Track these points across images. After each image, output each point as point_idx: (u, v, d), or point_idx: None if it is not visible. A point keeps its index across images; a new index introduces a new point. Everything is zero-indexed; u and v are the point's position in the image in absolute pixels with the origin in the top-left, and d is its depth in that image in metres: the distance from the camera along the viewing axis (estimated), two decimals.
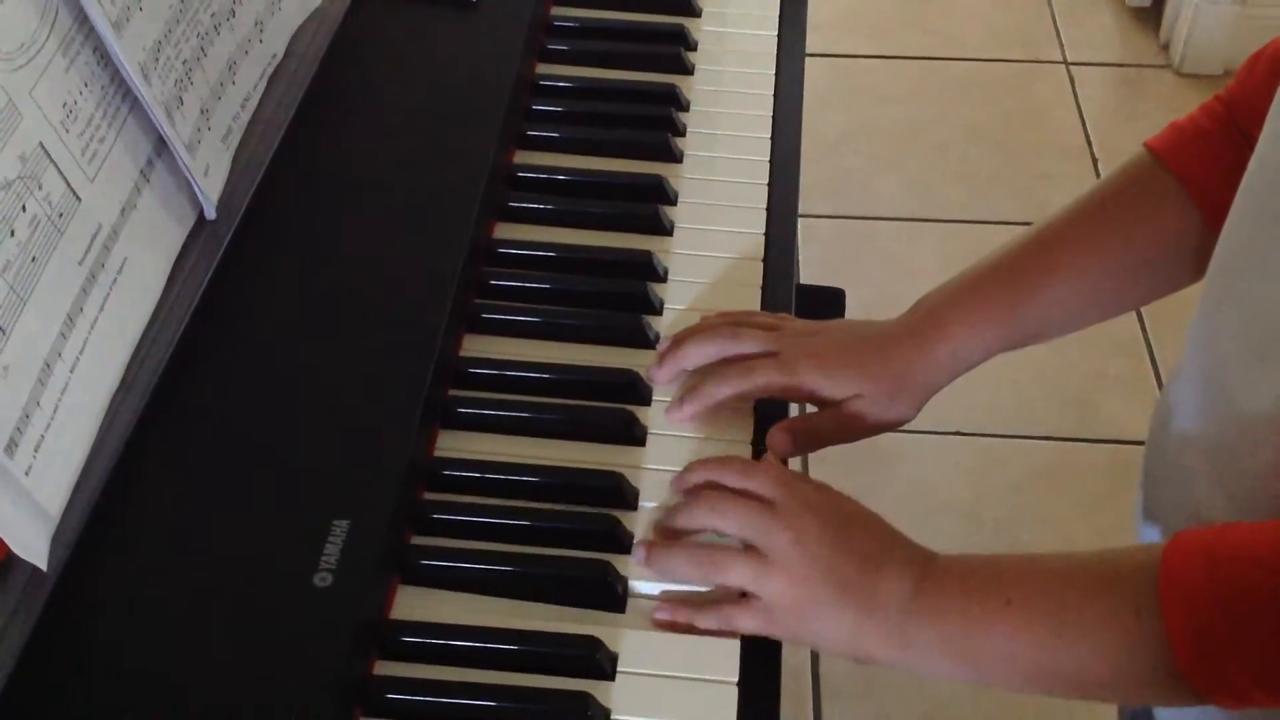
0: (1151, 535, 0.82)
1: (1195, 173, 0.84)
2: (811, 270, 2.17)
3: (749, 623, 0.74)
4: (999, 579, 0.71)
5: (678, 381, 0.87)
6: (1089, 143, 2.50)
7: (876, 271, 2.25)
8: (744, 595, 0.75)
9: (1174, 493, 0.79)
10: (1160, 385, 2.07)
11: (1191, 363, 0.78)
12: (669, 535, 0.78)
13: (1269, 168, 0.73)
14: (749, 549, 0.75)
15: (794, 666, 1.73)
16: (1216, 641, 0.63)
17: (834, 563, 0.73)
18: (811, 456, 1.74)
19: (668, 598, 0.76)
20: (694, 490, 0.79)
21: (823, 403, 0.87)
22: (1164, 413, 0.82)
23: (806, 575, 0.73)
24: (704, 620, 0.74)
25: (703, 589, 0.76)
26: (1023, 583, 0.71)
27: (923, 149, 2.51)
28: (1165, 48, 2.68)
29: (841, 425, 0.86)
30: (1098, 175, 2.43)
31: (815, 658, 1.77)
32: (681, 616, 0.74)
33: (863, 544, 0.74)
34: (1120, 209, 0.87)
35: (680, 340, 0.87)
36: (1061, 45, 2.73)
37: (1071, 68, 2.68)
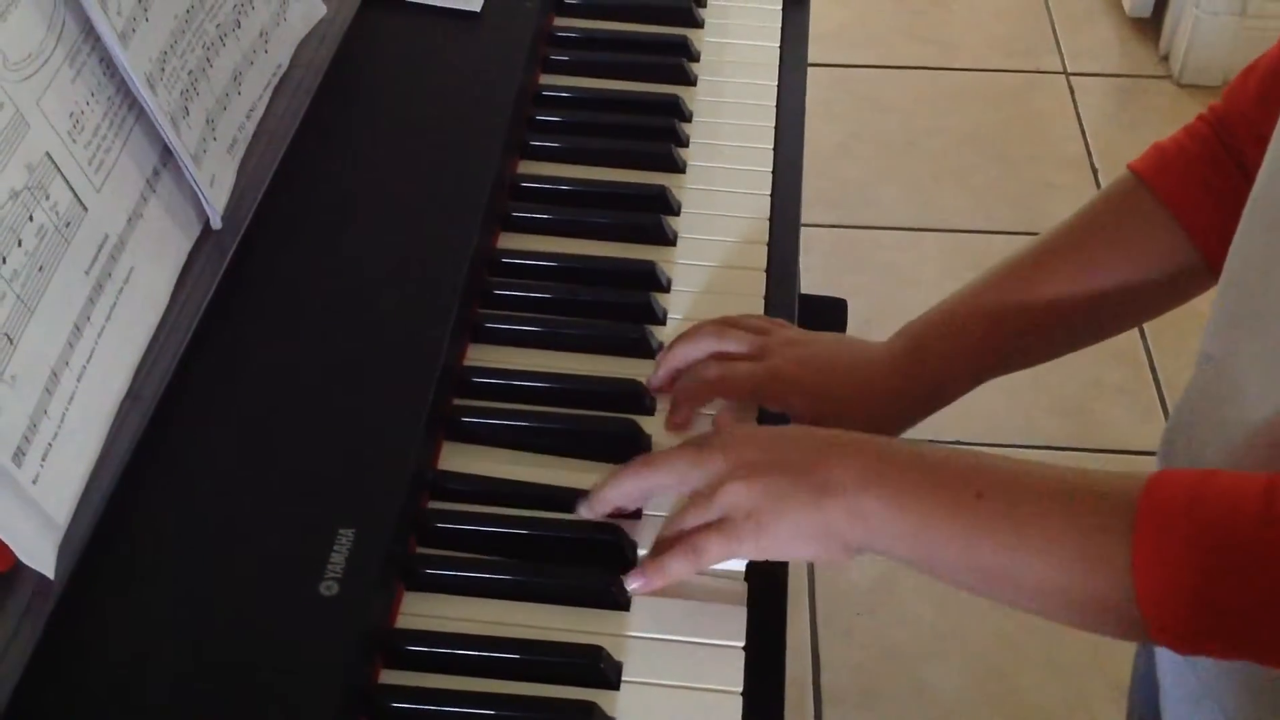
0: None
1: (1183, 197, 0.84)
2: (811, 279, 2.18)
3: (715, 545, 0.73)
4: (972, 471, 0.70)
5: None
6: (1089, 152, 2.51)
7: (876, 281, 2.25)
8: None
9: None
10: (1160, 393, 2.08)
11: (1205, 377, 0.78)
12: (602, 504, 0.78)
13: None
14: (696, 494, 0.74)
15: (796, 675, 1.74)
16: (1181, 584, 0.63)
17: (778, 458, 0.72)
18: None
19: (639, 565, 0.75)
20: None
21: (795, 416, 0.87)
22: (1177, 426, 0.82)
23: (752, 477, 0.72)
24: (674, 565, 0.73)
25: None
26: (996, 480, 0.69)
27: (922, 159, 2.52)
28: (1165, 58, 2.69)
29: None
30: (1097, 185, 2.44)
31: (817, 668, 1.77)
32: (652, 572, 0.74)
33: (808, 442, 0.74)
34: (1101, 237, 0.87)
35: (672, 343, 0.88)
36: (1061, 55, 2.73)
37: (1071, 78, 2.68)
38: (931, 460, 0.71)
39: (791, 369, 0.86)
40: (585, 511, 0.78)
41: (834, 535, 0.71)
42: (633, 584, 0.75)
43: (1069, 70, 2.70)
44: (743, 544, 0.73)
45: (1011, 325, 0.87)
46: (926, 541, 0.69)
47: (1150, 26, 2.75)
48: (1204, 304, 0.89)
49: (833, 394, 0.86)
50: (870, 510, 0.70)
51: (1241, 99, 0.84)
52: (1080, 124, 2.58)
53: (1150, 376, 2.11)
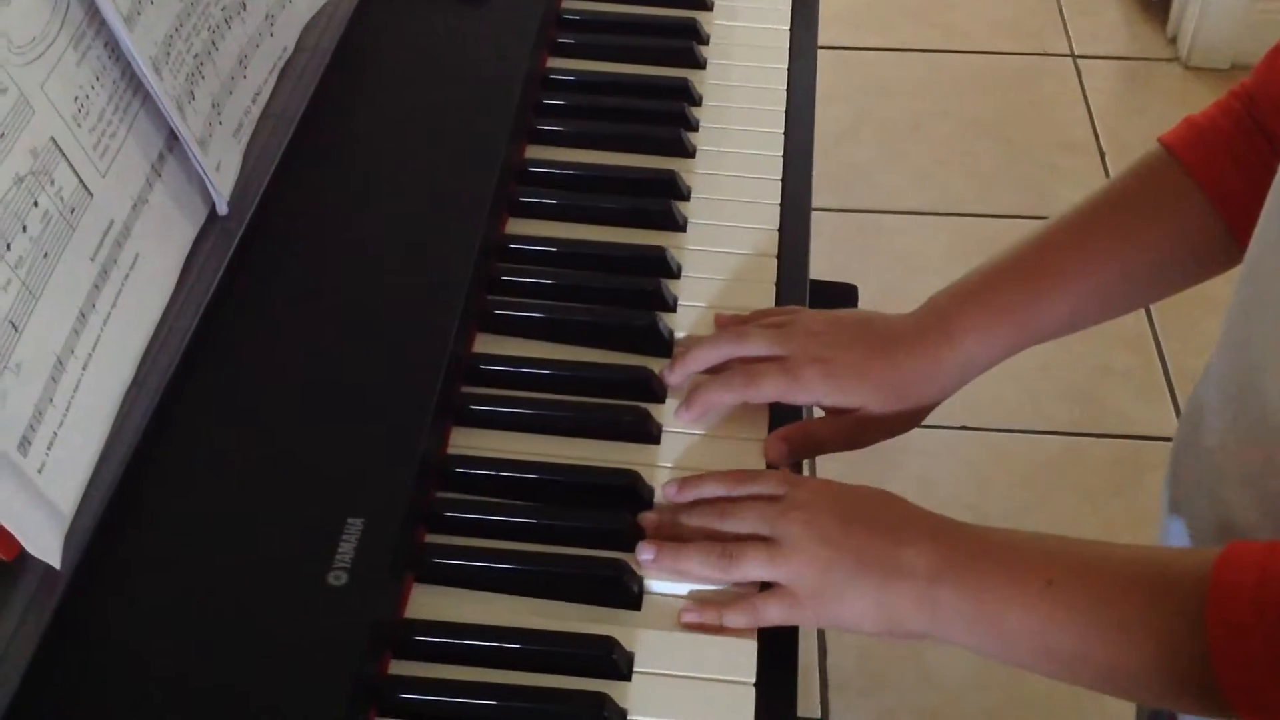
0: (1176, 531, 0.82)
1: (1214, 173, 0.83)
2: (818, 263, 2.17)
3: (775, 612, 0.73)
4: (1042, 557, 0.70)
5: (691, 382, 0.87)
6: (1096, 136, 2.50)
7: (883, 265, 2.24)
8: (764, 587, 0.74)
9: (1202, 492, 0.79)
10: (1168, 378, 2.07)
11: (1223, 364, 0.77)
12: (674, 539, 0.77)
13: None
14: (763, 539, 0.74)
15: (802, 661, 1.72)
16: (1260, 663, 0.62)
17: (849, 537, 0.73)
18: None
19: (695, 598, 0.75)
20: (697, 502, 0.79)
21: (827, 409, 0.86)
22: (1194, 412, 0.81)
23: (821, 553, 0.73)
24: (732, 617, 0.73)
25: (718, 587, 0.75)
26: (1067, 566, 0.69)
27: (930, 142, 2.50)
28: (1173, 41, 2.67)
29: (843, 433, 0.85)
30: (1105, 168, 2.43)
31: (823, 653, 1.77)
32: (709, 617, 0.74)
33: (878, 516, 0.74)
34: (1135, 210, 0.86)
35: (690, 345, 0.87)
36: (1069, 38, 2.72)
37: (1079, 61, 2.67)
38: (1001, 546, 0.71)
39: (816, 365, 0.84)
40: (653, 568, 0.76)
41: (897, 620, 0.72)
42: (690, 616, 0.74)
43: (1076, 53, 2.69)
44: (802, 617, 0.74)
45: (1040, 295, 0.86)
46: (999, 632, 0.70)
47: (1158, 9, 2.73)
48: (1214, 289, 0.89)
49: (860, 377, 0.85)
50: (943, 599, 0.70)
51: (1271, 76, 0.83)
52: (1088, 107, 2.56)
53: (1159, 362, 2.10)
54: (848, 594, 0.72)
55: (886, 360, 0.85)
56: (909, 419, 0.86)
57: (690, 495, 0.79)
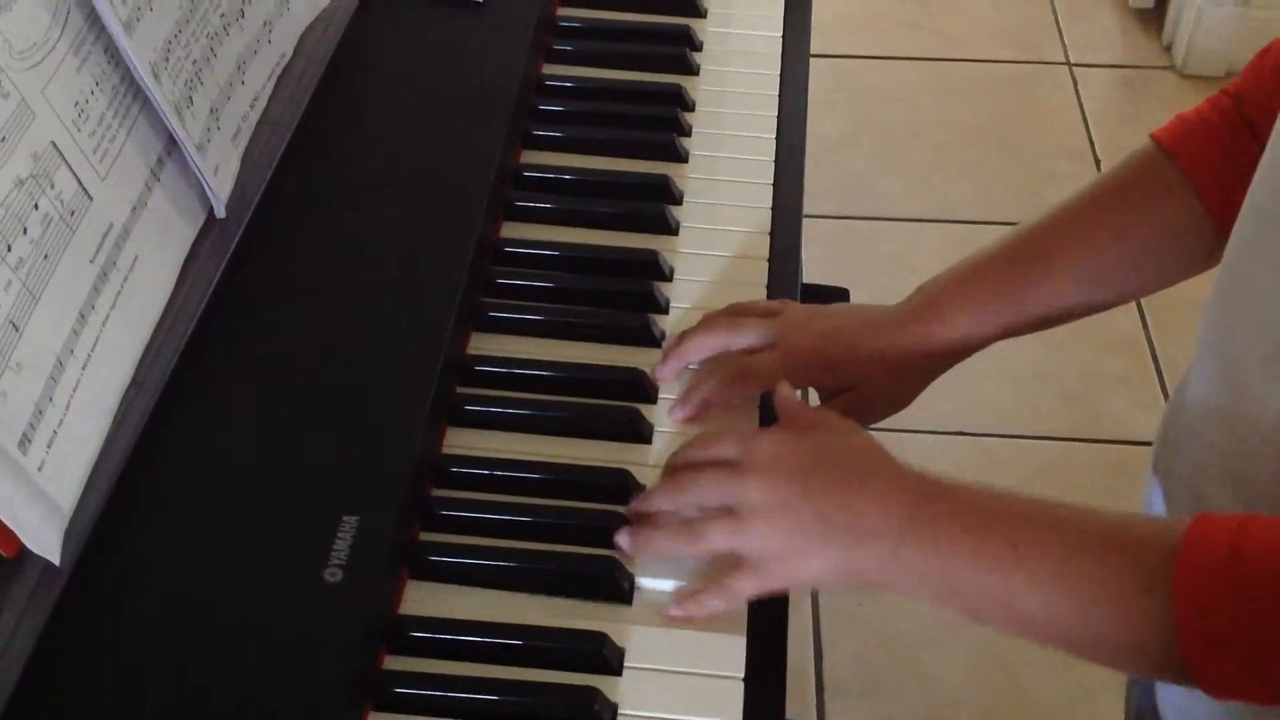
0: None
1: (1201, 166, 0.85)
2: (813, 270, 2.18)
3: (746, 583, 0.73)
4: (1008, 521, 0.70)
5: (683, 379, 0.88)
6: (1091, 143, 2.51)
7: (878, 272, 2.25)
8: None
9: (1185, 489, 0.80)
10: (1162, 383, 2.08)
11: (1204, 360, 0.78)
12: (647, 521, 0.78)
13: None
14: (724, 510, 0.74)
15: (798, 664, 1.74)
16: (1224, 634, 0.63)
17: (808, 498, 0.73)
18: None
19: (677, 595, 0.76)
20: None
21: (823, 393, 0.87)
22: (1176, 409, 0.82)
23: (783, 519, 0.73)
24: (709, 601, 0.74)
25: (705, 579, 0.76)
26: (1033, 529, 0.69)
27: (925, 150, 2.51)
28: (1168, 49, 2.68)
29: (840, 414, 0.86)
30: None
31: (818, 656, 1.78)
32: (690, 609, 0.74)
33: (839, 474, 0.74)
34: (1122, 200, 0.88)
35: (683, 337, 0.88)
36: (1064, 46, 2.73)
37: (1074, 69, 2.68)
38: (968, 507, 0.71)
39: (810, 350, 0.86)
40: (629, 553, 0.77)
41: (859, 575, 0.72)
42: (675, 612, 0.75)
43: (1072, 61, 2.70)
44: (772, 583, 0.74)
45: (1026, 276, 0.87)
46: (962, 595, 0.70)
47: (1153, 17, 2.75)
48: (1207, 294, 0.90)
49: (856, 359, 0.86)
50: (907, 559, 0.70)
51: (1258, 77, 0.84)
52: (1083, 115, 2.57)
53: (1152, 366, 2.11)
54: (812, 557, 0.72)
55: (877, 337, 0.87)
56: (904, 391, 0.87)
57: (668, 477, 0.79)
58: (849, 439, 0.77)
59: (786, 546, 0.73)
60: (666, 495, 0.77)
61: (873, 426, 0.88)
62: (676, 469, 0.78)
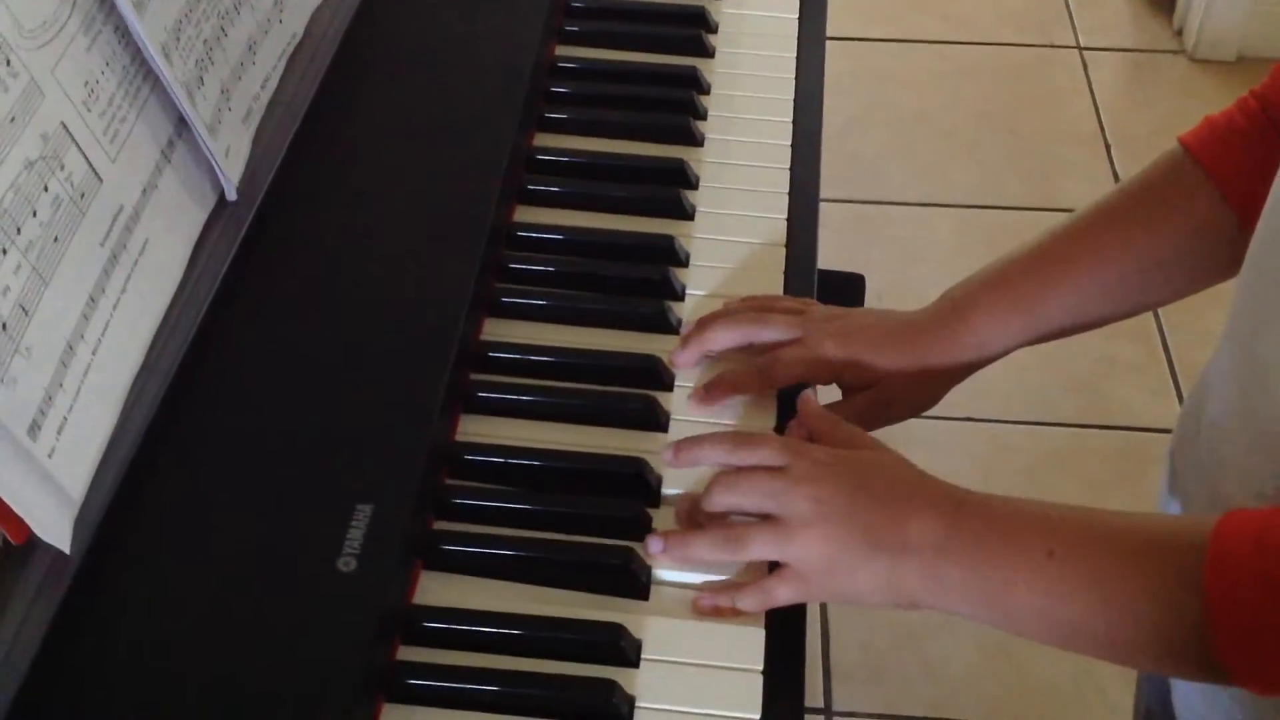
0: None
1: (1228, 169, 0.84)
2: (823, 255, 2.17)
3: (786, 591, 0.74)
4: (1044, 528, 0.70)
5: (700, 366, 0.87)
6: (1101, 128, 2.49)
7: (888, 256, 2.24)
8: (775, 567, 0.74)
9: (1203, 482, 0.79)
10: (1172, 369, 2.07)
11: (1227, 356, 0.77)
12: (690, 524, 0.78)
13: None
14: (768, 518, 0.74)
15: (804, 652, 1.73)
16: (1259, 629, 0.63)
17: (856, 512, 0.73)
18: None
19: (708, 586, 0.75)
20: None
21: (845, 389, 0.87)
22: (1196, 403, 0.81)
23: (830, 531, 0.73)
24: (745, 601, 0.74)
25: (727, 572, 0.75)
26: (1068, 536, 0.69)
27: (935, 134, 2.50)
28: (1179, 33, 2.67)
29: (861, 414, 0.86)
30: (1110, 160, 2.42)
31: (826, 644, 1.77)
32: (724, 602, 0.74)
33: (884, 489, 0.74)
34: (1148, 204, 0.87)
35: (705, 324, 0.87)
36: (1075, 30, 2.71)
37: (1085, 53, 2.66)
38: (1004, 517, 0.72)
39: (837, 348, 0.85)
40: (663, 560, 0.76)
41: (903, 593, 0.72)
42: (705, 602, 0.74)
43: (1082, 45, 2.68)
44: (812, 594, 0.74)
45: (1051, 281, 0.87)
46: (1002, 606, 0.70)
47: (1164, 1, 2.73)
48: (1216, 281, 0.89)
49: (879, 363, 0.86)
50: (948, 575, 0.71)
51: None
52: (1093, 99, 2.56)
53: (1163, 354, 2.10)
54: (858, 572, 0.72)
55: (902, 340, 0.86)
56: (926, 397, 0.87)
57: (688, 458, 0.79)
58: (885, 456, 0.77)
59: (834, 560, 0.73)
60: (706, 499, 0.76)
61: None
62: (719, 475, 0.77)
